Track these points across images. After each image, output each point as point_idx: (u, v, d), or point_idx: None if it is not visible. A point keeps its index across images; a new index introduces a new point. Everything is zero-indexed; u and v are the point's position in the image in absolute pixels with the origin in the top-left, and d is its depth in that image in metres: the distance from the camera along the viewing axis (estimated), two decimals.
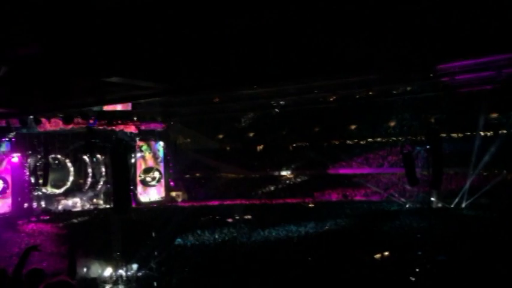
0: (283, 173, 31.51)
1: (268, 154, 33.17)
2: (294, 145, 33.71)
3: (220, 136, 35.46)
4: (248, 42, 8.18)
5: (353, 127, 31.52)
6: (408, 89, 27.47)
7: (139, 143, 28.59)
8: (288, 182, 31.09)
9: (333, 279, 11.41)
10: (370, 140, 31.40)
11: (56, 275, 3.54)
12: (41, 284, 2.94)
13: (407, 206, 25.00)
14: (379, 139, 30.89)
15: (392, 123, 29.74)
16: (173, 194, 30.70)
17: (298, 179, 30.69)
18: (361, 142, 31.62)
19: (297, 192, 28.33)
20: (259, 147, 34.94)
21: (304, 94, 28.80)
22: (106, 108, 24.02)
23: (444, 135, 26.01)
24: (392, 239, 16.43)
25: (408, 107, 27.42)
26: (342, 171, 29.92)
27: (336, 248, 15.34)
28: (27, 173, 24.24)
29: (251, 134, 34.58)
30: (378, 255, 14.24)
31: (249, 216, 22.65)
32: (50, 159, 24.07)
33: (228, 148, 35.11)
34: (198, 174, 33.26)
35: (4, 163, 23.41)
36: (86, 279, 12.17)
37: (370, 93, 28.22)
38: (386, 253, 14.47)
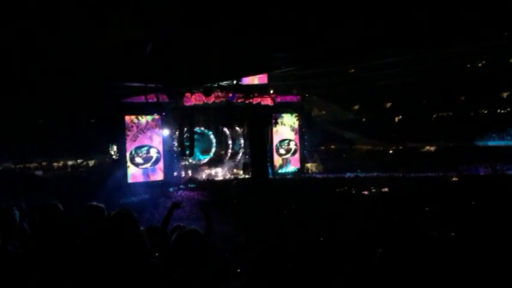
0: (424, 144, 29.83)
1: (407, 125, 31.62)
2: (436, 115, 31.63)
3: (356, 107, 34.71)
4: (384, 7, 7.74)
5: (505, 94, 28.46)
6: None
7: (275, 115, 29.24)
8: (429, 154, 29.40)
9: (487, 265, 10.52)
10: None
11: None
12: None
13: None
14: None
15: None
16: (308, 165, 31.01)
17: (440, 152, 28.80)
18: None
19: (438, 166, 26.45)
20: (398, 118, 33.47)
21: (447, 60, 26.66)
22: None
23: None
24: None
25: None
26: (492, 143, 27.33)
27: (483, 229, 14.12)
28: (176, 145, 26.45)
29: (388, 105, 33.24)
30: None
31: (386, 189, 21.96)
32: (196, 131, 25.92)
33: (364, 119, 34.27)
34: (333, 146, 33.09)
35: (158, 135, 25.90)
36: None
37: None
38: None
